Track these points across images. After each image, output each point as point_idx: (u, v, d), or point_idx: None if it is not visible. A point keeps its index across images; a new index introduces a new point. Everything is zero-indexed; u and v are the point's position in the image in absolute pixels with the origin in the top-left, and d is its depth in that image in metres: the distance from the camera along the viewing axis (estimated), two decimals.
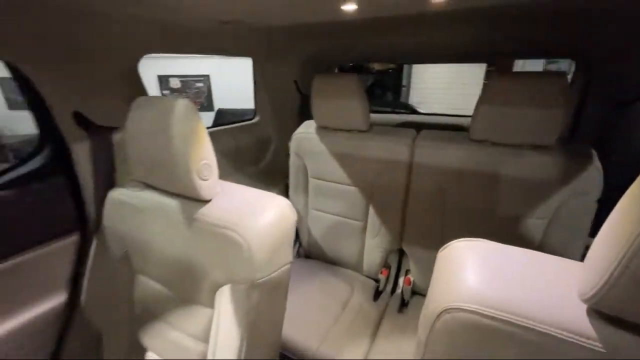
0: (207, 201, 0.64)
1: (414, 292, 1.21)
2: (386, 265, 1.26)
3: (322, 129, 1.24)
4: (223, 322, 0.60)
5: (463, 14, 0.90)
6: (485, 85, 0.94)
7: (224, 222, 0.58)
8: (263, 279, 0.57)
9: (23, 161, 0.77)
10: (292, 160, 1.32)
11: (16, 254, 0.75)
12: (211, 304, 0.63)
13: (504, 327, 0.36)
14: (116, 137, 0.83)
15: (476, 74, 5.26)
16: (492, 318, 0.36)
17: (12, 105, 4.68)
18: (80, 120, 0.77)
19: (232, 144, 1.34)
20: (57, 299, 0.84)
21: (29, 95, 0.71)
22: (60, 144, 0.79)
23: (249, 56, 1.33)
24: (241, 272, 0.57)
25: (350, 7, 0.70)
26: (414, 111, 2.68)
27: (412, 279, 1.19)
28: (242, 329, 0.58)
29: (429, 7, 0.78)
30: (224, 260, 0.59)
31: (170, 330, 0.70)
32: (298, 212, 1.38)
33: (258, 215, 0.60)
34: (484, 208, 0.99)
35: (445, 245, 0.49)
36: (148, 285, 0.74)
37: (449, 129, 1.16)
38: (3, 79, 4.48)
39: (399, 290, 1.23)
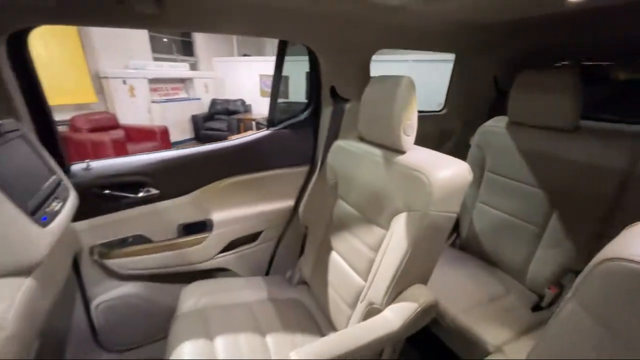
0: (403, 152, 0.87)
1: None
2: (557, 284, 1.12)
3: (514, 124, 1.23)
4: (394, 239, 0.82)
5: None
6: None
7: (415, 167, 0.79)
8: (434, 213, 0.74)
9: (296, 114, 1.29)
10: (472, 151, 1.38)
11: (278, 168, 1.26)
12: (387, 227, 0.87)
13: None
14: (347, 105, 1.20)
15: None
16: None
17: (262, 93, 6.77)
18: (333, 92, 1.18)
19: (418, 131, 1.56)
20: (288, 203, 1.34)
21: (312, 73, 1.18)
22: (316, 107, 1.25)
23: (454, 52, 1.47)
24: (419, 203, 0.76)
25: None
26: None
27: None
28: (406, 248, 0.77)
29: None
30: (407, 193, 0.80)
31: (353, 238, 1.00)
32: (464, 203, 1.43)
33: (441, 167, 0.77)
34: None
35: (634, 224, 0.49)
36: (344, 207, 1.07)
37: None
38: (262, 75, 6.66)
39: None
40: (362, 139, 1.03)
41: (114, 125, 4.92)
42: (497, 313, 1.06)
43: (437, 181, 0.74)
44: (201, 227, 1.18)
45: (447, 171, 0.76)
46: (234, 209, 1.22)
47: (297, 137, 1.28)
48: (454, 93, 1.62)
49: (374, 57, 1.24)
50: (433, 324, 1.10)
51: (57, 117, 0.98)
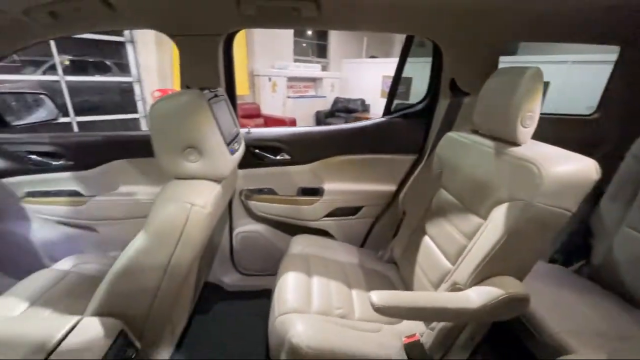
0: (517, 144, 0.84)
1: None
2: None
3: None
4: (489, 229, 0.82)
5: None
6: None
7: (527, 158, 0.77)
8: (540, 205, 0.71)
9: (413, 105, 1.37)
10: (626, 163, 1.14)
11: (386, 153, 1.37)
12: (485, 217, 0.87)
13: None
14: (466, 99, 1.21)
15: None
16: None
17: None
18: (453, 86, 1.21)
19: (549, 134, 1.37)
20: (390, 187, 1.44)
21: (433, 65, 1.24)
22: (433, 99, 1.30)
23: (618, 44, 1.23)
24: (524, 193, 0.74)
25: None
26: None
27: None
28: (500, 234, 0.75)
29: None
30: (513, 183, 0.78)
31: (448, 225, 1.02)
32: (604, 225, 1.20)
33: (558, 160, 0.72)
34: None
35: None
36: (445, 196, 1.09)
37: None
38: (385, 76, 6.79)
39: None
40: (475, 132, 1.04)
41: (257, 114, 6.02)
42: (624, 351, 0.89)
43: (549, 173, 0.70)
44: (314, 192, 1.43)
45: (565, 165, 0.71)
46: (342, 183, 1.42)
47: (410, 127, 1.36)
48: (613, 94, 1.34)
49: (519, 59, 1.19)
50: (527, 337, 1.01)
51: None
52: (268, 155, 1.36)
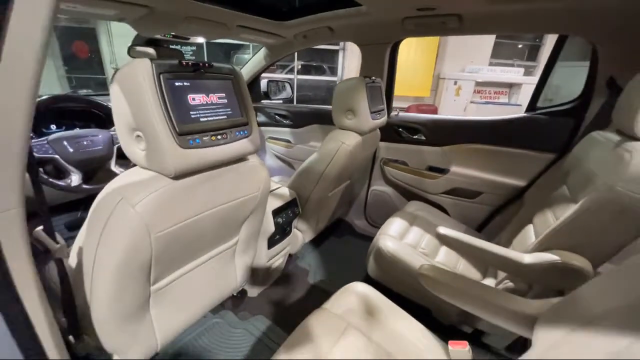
0: (637, 139, 0.83)
1: None
2: None
3: None
4: (572, 207, 0.88)
5: None
6: None
7: (629, 147, 0.78)
8: (619, 189, 0.72)
9: (563, 104, 1.35)
10: None
11: (520, 148, 1.42)
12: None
13: None
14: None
15: None
16: None
17: None
18: (611, 84, 1.14)
19: None
20: (518, 182, 1.46)
21: (591, 62, 1.20)
22: (586, 98, 1.24)
23: None
24: (611, 178, 0.76)
25: None
26: None
27: None
28: (575, 210, 0.81)
29: None
30: (609, 170, 0.80)
31: (551, 215, 1.07)
32: None
33: None
34: None
35: None
36: (563, 192, 1.09)
37: None
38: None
39: None
40: (619, 131, 1.00)
41: None
42: None
43: (638, 161, 0.73)
44: (440, 172, 1.68)
45: None
46: (468, 168, 1.59)
47: (554, 125, 1.34)
48: None
49: None
50: None
51: (399, 104, 1.80)
52: (409, 135, 1.73)
